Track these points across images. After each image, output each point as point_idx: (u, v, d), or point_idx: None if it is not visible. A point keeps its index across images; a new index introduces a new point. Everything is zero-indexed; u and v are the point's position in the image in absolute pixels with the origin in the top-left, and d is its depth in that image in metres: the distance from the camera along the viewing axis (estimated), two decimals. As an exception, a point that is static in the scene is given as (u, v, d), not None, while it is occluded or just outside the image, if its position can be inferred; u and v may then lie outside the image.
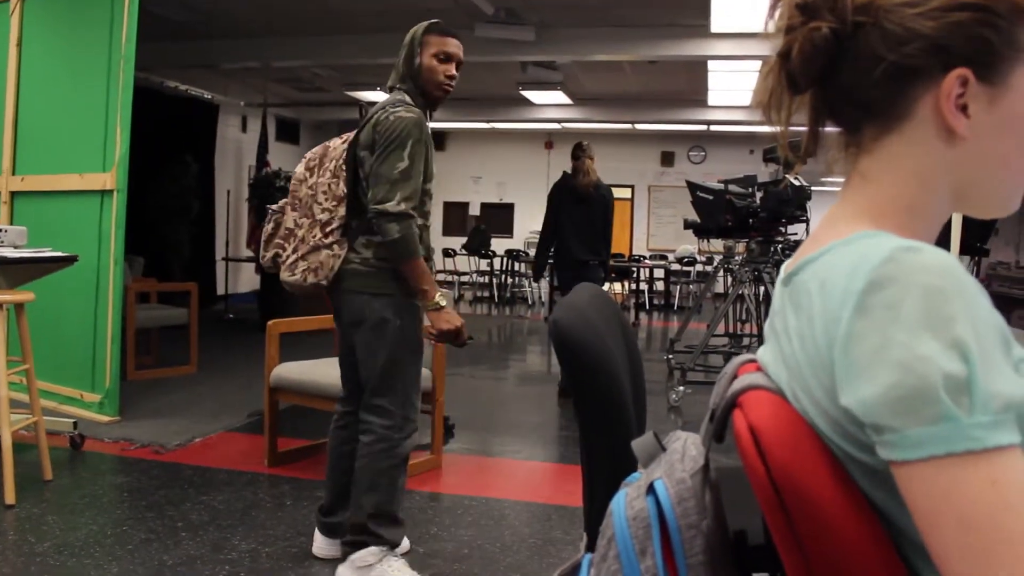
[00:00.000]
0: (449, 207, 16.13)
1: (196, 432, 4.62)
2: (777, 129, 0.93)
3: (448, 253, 13.97)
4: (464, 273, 14.30)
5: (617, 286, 12.93)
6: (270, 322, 4.05)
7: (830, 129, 0.94)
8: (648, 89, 11.79)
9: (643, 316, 12.60)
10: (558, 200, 6.06)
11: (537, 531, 3.35)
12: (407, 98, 2.73)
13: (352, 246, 2.72)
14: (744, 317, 7.18)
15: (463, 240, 14.28)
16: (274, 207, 2.92)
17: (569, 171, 6.10)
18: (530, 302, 13.84)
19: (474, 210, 16.29)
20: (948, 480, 0.65)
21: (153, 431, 4.58)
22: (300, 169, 2.88)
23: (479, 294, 14.73)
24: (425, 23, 2.82)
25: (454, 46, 2.81)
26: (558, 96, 11.61)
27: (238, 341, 8.27)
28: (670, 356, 6.90)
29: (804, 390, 0.80)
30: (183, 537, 3.09)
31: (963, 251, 2.85)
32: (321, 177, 2.80)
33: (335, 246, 2.72)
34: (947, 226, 4.08)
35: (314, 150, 2.91)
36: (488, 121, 14.29)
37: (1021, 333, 1.98)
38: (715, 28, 7.84)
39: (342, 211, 2.75)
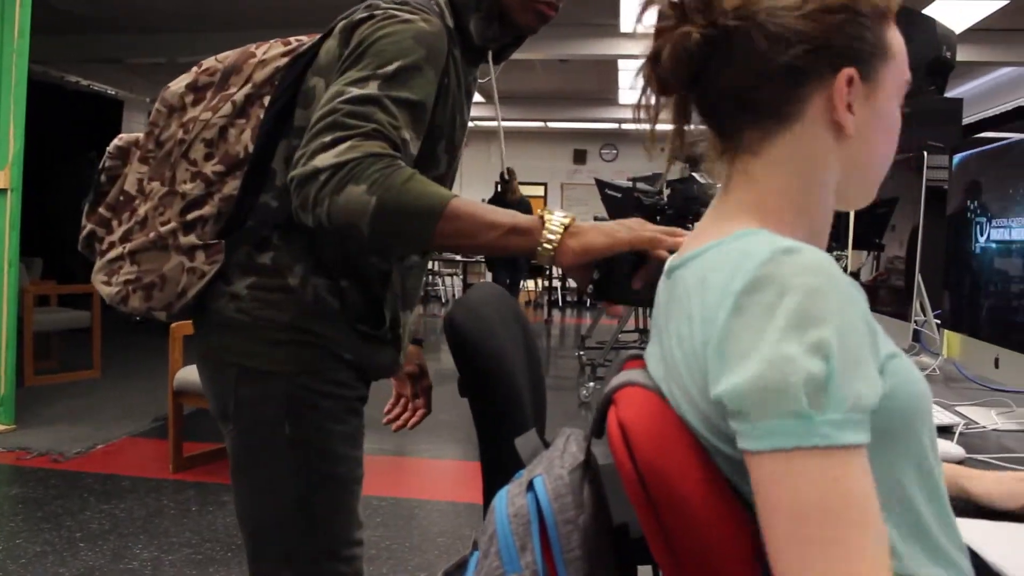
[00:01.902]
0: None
1: (98, 439, 4.48)
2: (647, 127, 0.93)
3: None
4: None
5: (531, 283, 12.99)
6: (173, 325, 3.96)
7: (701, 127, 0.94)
8: (560, 88, 11.88)
9: (556, 313, 12.69)
10: None
11: (446, 530, 3.35)
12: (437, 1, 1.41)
13: (228, 265, 1.38)
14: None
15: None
16: (115, 143, 1.51)
17: (499, 189, 9.44)
18: (443, 300, 13.80)
19: (388, 209, 16.16)
20: (793, 472, 0.68)
21: (52, 439, 4.43)
22: (178, 85, 1.47)
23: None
24: None
25: None
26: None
27: (144, 343, 8.02)
28: (581, 352, 6.98)
29: (679, 386, 0.81)
30: (81, 548, 3.00)
31: (858, 245, 2.95)
32: (209, 111, 1.41)
33: (198, 253, 1.37)
34: (843, 221, 4.22)
35: (223, 55, 1.48)
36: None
37: (904, 325, 2.06)
38: (624, 28, 7.98)
39: (232, 186, 1.37)
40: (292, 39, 1.47)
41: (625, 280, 1.17)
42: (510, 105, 13.03)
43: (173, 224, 1.37)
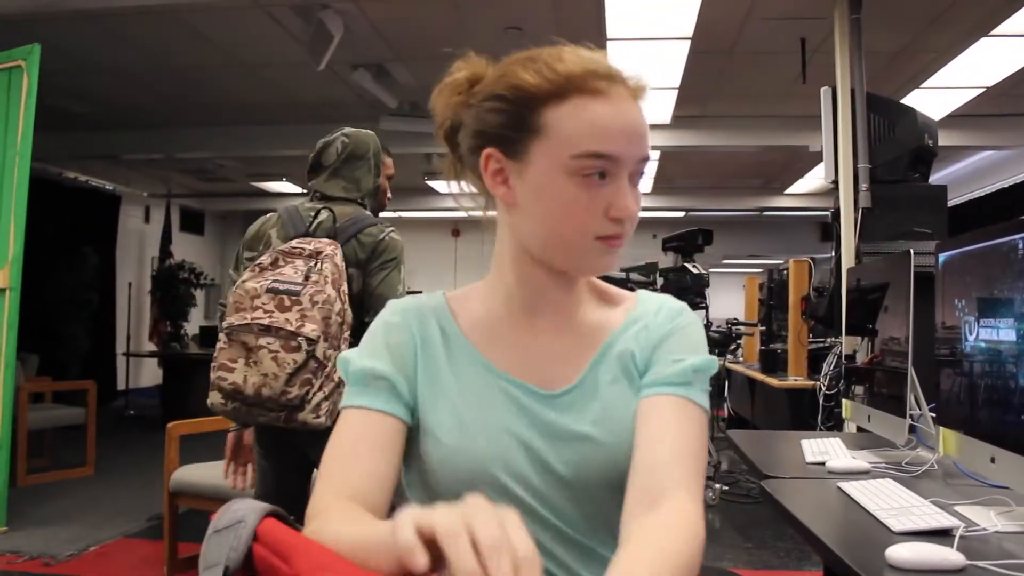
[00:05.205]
0: (358, 294, 15.96)
1: (91, 540, 4.42)
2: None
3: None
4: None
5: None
6: (170, 424, 3.93)
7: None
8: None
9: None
10: None
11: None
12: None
13: None
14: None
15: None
16: (309, 331, 2.24)
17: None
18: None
19: (383, 297, 16.19)
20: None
21: (44, 541, 4.37)
22: (291, 273, 2.30)
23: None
24: (376, 140, 2.63)
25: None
26: (463, 184, 11.78)
27: (139, 438, 7.98)
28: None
29: None
30: (74, 657, 2.94)
31: (851, 332, 2.99)
32: (333, 287, 2.29)
33: None
34: (836, 308, 4.26)
35: (293, 242, 2.37)
36: (395, 210, 14.36)
37: (900, 421, 2.07)
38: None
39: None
40: (317, 242, 2.41)
41: None
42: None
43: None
